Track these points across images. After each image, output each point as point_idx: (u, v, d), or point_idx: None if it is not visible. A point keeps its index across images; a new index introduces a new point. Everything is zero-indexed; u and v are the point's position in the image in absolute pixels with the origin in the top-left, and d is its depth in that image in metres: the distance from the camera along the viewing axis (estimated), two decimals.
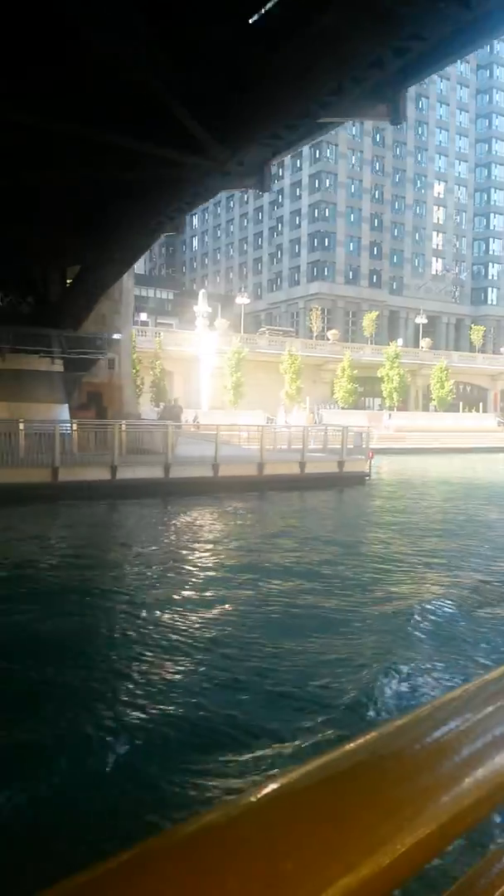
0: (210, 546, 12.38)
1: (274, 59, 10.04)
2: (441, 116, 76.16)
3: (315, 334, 56.58)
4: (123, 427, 18.86)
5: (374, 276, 72.81)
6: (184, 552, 11.75)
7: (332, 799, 0.49)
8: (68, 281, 19.75)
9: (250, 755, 4.50)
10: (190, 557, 11.34)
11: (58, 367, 21.03)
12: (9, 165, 11.65)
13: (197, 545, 12.46)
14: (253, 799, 0.47)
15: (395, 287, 74.66)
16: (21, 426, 18.50)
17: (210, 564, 10.72)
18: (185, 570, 10.29)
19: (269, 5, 10.86)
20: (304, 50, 9.89)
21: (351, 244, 70.70)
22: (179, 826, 0.43)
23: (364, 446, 22.27)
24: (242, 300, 53.47)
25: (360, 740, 0.54)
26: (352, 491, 20.91)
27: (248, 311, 56.74)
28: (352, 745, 0.54)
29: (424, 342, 59.89)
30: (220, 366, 43.50)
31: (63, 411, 20.72)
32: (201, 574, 10.06)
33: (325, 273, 69.19)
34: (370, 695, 5.44)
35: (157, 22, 9.67)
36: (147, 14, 9.44)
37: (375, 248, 72.48)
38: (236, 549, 12.00)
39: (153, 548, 12.11)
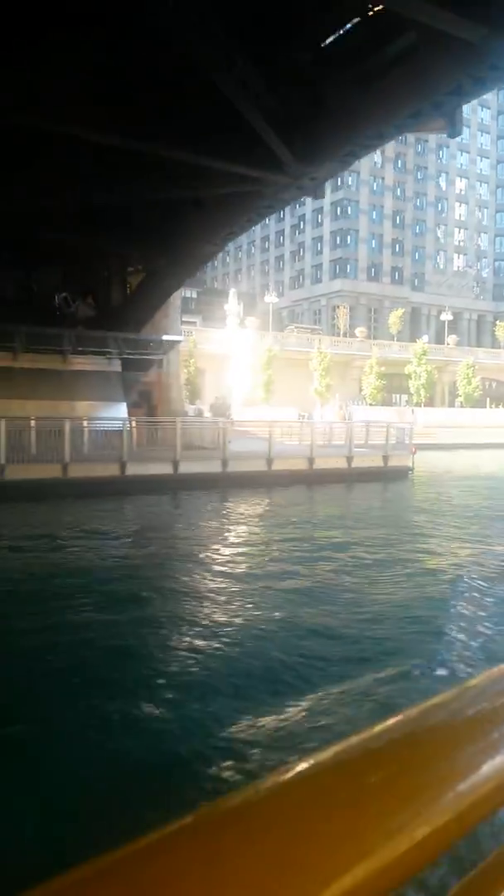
0: (291, 526, 13.47)
1: (355, 87, 10.93)
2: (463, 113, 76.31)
3: (342, 332, 57.36)
4: (180, 424, 19.90)
5: (396, 273, 73.31)
6: (273, 531, 12.87)
7: (349, 785, 0.49)
8: (128, 286, 20.78)
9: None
10: (279, 533, 12.45)
11: (115, 367, 22.07)
12: (105, 184, 12.65)
13: (281, 525, 13.58)
14: (268, 784, 0.47)
15: (416, 284, 75.11)
16: (85, 423, 19.62)
17: (295, 540, 11.72)
18: (280, 544, 11.33)
19: (346, 27, 11.73)
20: (387, 79, 10.76)
21: (373, 241, 71.23)
22: (193, 812, 0.44)
23: (407, 442, 23.11)
24: (271, 299, 54.34)
25: (377, 727, 0.55)
26: (397, 484, 21.78)
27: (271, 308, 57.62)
28: (368, 731, 0.54)
29: (451, 339, 60.38)
30: (252, 363, 44.44)
31: (122, 409, 21.76)
32: (293, 545, 11.12)
33: (348, 270, 69.83)
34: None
35: (248, 50, 10.57)
36: (240, 41, 10.34)
37: (397, 245, 72.97)
38: (320, 527, 13.13)
39: (250, 528, 13.33)
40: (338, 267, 70.59)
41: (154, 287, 18.52)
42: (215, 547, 11.77)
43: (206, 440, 21.35)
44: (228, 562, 10.46)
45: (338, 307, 61.72)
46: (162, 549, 11.65)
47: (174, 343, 22.47)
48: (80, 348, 21.01)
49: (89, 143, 11.68)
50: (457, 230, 77.95)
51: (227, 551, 11.39)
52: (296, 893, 0.40)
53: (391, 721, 0.56)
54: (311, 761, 0.50)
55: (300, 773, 0.49)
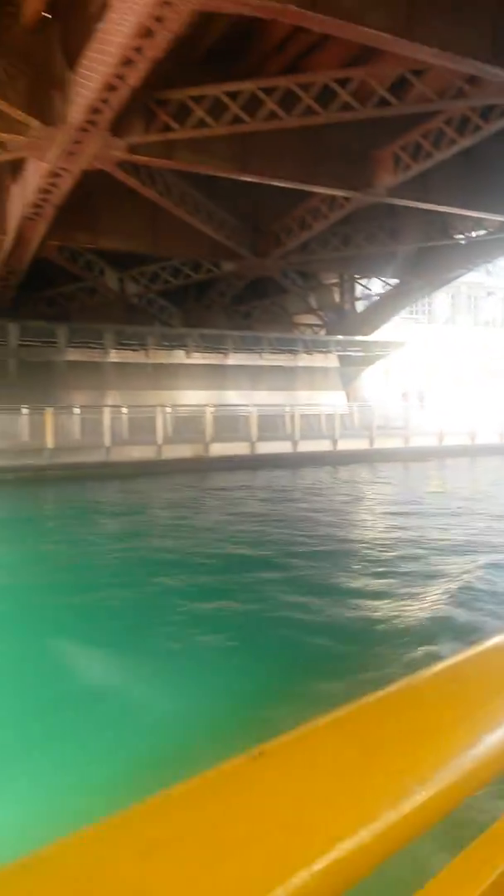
0: None
1: None
2: None
3: (441, 320, 61.72)
4: (408, 410, 24.99)
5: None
6: None
7: (353, 749, 0.50)
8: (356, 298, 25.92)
9: None
10: None
11: (333, 363, 27.22)
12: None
13: None
14: (272, 747, 0.49)
15: (489, 269, 78.56)
16: (325, 410, 24.78)
17: None
18: None
19: None
20: None
21: None
22: (196, 775, 0.45)
23: None
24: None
25: (382, 692, 0.57)
26: None
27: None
28: (373, 696, 0.56)
29: None
30: None
31: (342, 397, 26.91)
32: None
33: None
34: None
35: None
36: None
37: None
38: None
39: None
40: None
41: (400, 300, 23.52)
42: None
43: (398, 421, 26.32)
44: None
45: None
46: None
47: (399, 343, 27.48)
48: (311, 350, 26.24)
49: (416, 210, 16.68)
50: None
51: None
52: (298, 854, 0.41)
53: (396, 686, 0.58)
54: (316, 725, 0.52)
55: (304, 736, 0.51)
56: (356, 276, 24.67)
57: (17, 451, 18.02)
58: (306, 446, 22.18)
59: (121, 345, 22.27)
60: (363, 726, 0.54)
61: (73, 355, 22.50)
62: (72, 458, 18.66)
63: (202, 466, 20.09)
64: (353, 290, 25.74)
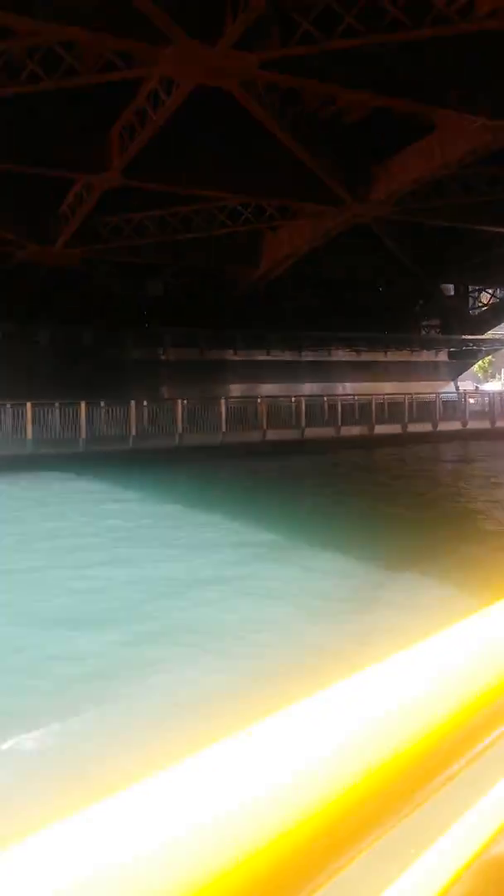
0: None
1: None
2: None
3: None
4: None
5: None
6: None
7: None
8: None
9: None
10: None
11: (443, 357, 32.31)
12: None
13: None
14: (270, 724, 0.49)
15: None
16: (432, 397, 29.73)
17: None
18: None
19: None
20: None
21: None
22: (196, 753, 0.45)
23: None
24: None
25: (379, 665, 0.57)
26: None
27: None
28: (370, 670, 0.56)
29: None
30: None
31: (451, 386, 31.98)
32: None
33: None
34: None
35: None
36: None
37: None
38: None
39: None
40: None
41: None
42: None
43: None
44: None
45: None
46: None
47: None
48: (423, 349, 31.39)
49: None
50: None
51: None
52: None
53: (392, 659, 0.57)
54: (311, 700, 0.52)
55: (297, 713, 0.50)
56: (481, 286, 29.73)
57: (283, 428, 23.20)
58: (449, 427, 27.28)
59: (281, 348, 27.41)
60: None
61: (241, 356, 27.74)
62: (278, 437, 23.78)
63: (368, 443, 25.11)
64: (467, 295, 30.92)
